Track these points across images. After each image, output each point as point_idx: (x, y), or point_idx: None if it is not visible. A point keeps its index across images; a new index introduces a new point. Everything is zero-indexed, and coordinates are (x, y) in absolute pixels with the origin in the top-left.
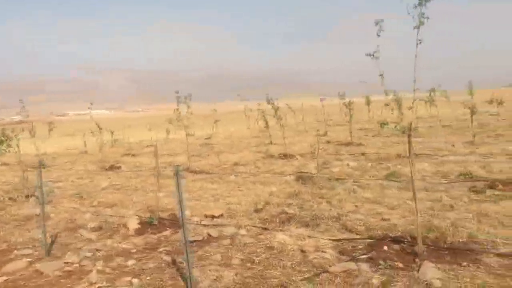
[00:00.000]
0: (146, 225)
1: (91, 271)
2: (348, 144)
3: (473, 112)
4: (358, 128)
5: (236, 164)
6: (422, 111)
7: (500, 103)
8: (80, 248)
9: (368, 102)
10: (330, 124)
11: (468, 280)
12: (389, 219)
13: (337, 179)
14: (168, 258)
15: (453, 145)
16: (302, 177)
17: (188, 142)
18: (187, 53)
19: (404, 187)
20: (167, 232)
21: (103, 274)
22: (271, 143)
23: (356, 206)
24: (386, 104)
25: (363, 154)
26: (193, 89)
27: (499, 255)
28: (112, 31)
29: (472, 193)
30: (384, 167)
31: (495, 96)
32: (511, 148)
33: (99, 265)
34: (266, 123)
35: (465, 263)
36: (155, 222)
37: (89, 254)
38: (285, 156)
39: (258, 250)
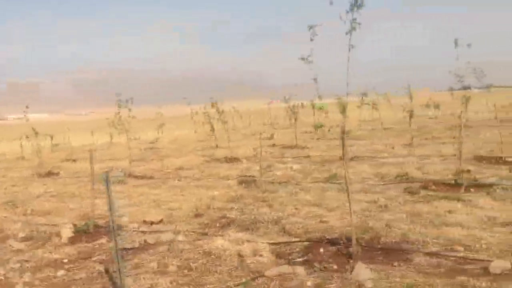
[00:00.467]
0: (81, 234)
1: (17, 283)
2: (293, 147)
3: (411, 115)
4: (304, 131)
5: (180, 168)
6: (367, 114)
7: (436, 106)
8: (7, 259)
9: (313, 106)
10: (277, 127)
11: (398, 279)
12: (327, 221)
13: (280, 182)
14: (101, 268)
15: (393, 147)
16: (245, 181)
17: (132, 146)
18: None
19: (344, 189)
20: (103, 240)
21: (30, 287)
22: (217, 146)
23: (296, 209)
24: (320, 108)
25: (307, 157)
26: (147, 91)
27: (428, 254)
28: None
29: (407, 194)
30: (326, 169)
31: (433, 100)
32: (445, 150)
33: (27, 277)
34: (212, 126)
35: (396, 263)
36: (91, 230)
37: (16, 266)
38: (230, 159)
39: (196, 256)
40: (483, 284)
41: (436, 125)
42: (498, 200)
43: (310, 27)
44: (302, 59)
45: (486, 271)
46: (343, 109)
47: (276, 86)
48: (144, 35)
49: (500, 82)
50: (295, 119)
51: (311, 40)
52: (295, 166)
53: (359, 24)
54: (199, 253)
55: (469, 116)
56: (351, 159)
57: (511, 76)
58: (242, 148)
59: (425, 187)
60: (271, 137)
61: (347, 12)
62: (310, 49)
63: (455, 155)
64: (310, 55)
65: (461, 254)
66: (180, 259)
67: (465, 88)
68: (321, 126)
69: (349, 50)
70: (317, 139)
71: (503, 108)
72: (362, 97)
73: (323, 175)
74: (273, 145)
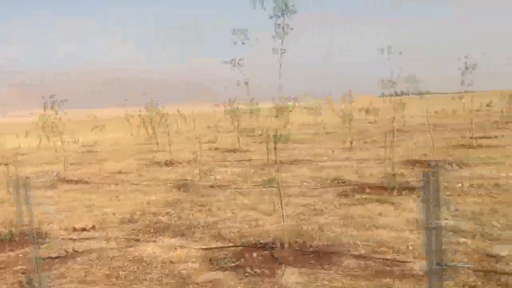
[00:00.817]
0: (4, 242)
1: None
2: (235, 150)
3: (350, 120)
4: (247, 134)
5: (118, 172)
6: (311, 118)
7: (375, 111)
8: None
9: (257, 109)
10: (221, 130)
11: (326, 283)
12: (263, 225)
13: (219, 186)
14: (23, 278)
15: (333, 151)
16: (184, 185)
17: (69, 150)
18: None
19: (282, 193)
20: (28, 249)
21: None
22: (158, 150)
23: (233, 213)
24: (250, 112)
25: (248, 160)
26: (83, 93)
27: (358, 256)
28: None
29: (342, 197)
30: (266, 173)
31: (372, 105)
32: (382, 154)
33: None
34: (153, 129)
35: (327, 266)
36: (15, 238)
37: None
38: (171, 163)
39: (126, 264)
40: (407, 286)
41: (375, 130)
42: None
43: (240, 31)
44: (231, 62)
45: (411, 273)
46: (277, 113)
47: (221, 89)
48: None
49: (434, 88)
50: (237, 123)
51: (243, 43)
52: (235, 170)
53: (292, 29)
54: (130, 260)
55: (405, 121)
56: (292, 162)
57: (444, 82)
58: (184, 152)
59: (360, 190)
60: (214, 141)
61: (278, 17)
62: (240, 52)
63: (390, 159)
64: (241, 58)
65: (389, 256)
66: (109, 267)
67: (404, 94)
68: (254, 130)
69: (281, 55)
70: (260, 142)
71: (436, 114)
72: (294, 102)
73: (262, 179)
74: (216, 148)
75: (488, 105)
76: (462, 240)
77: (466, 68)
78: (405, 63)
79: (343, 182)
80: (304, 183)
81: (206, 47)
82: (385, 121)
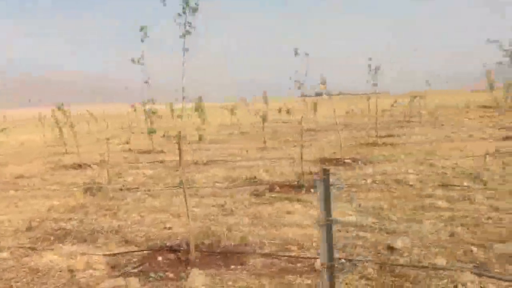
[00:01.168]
0: None
1: None
2: (149, 151)
3: (264, 120)
4: (162, 135)
5: (20, 176)
6: (227, 119)
7: (288, 112)
8: None
9: (172, 110)
10: (135, 131)
11: (231, 283)
12: (171, 228)
13: (128, 189)
14: None
15: (247, 151)
16: (91, 188)
17: None
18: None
19: (193, 194)
20: None
21: None
22: (66, 152)
23: (141, 216)
24: (153, 112)
25: (161, 161)
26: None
27: (264, 255)
28: None
29: (253, 196)
30: (179, 174)
31: (286, 106)
32: (295, 153)
33: None
34: (60, 130)
35: (233, 266)
36: None
37: None
38: (79, 166)
39: (20, 275)
40: (309, 282)
41: (289, 130)
42: (333, 200)
43: (141, 29)
44: (133, 60)
45: (312, 268)
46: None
47: (137, 89)
48: None
49: (347, 89)
50: (151, 123)
51: (142, 41)
52: (147, 172)
53: (194, 28)
54: (24, 271)
55: (319, 121)
56: (205, 163)
57: (355, 84)
58: (94, 154)
59: (271, 189)
60: (128, 142)
61: (180, 15)
62: (142, 50)
63: (301, 157)
64: (142, 57)
65: (294, 253)
66: (1, 279)
67: (318, 94)
68: (154, 131)
69: (184, 54)
70: (175, 143)
71: (347, 114)
72: (195, 103)
73: (175, 180)
74: (129, 149)
75: (392, 105)
76: (362, 234)
77: (373, 70)
78: (317, 65)
79: (255, 182)
80: (217, 184)
81: (123, 48)
82: (299, 121)
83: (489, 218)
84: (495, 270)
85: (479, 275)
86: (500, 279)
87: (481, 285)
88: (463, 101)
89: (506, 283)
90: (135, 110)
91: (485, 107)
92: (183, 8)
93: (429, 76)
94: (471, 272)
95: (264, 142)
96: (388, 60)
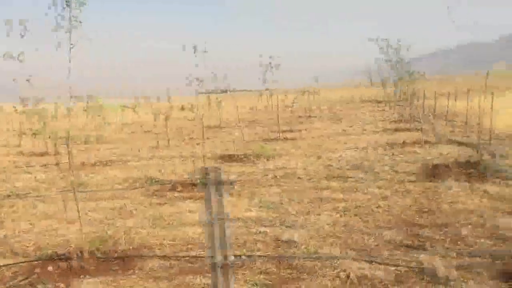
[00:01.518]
0: None
1: None
2: (43, 154)
3: (167, 118)
4: (54, 136)
5: None
6: (130, 117)
7: (191, 109)
8: None
9: (69, 110)
10: (26, 133)
11: None
12: (64, 235)
13: (17, 195)
14: None
15: (149, 150)
16: None
17: None
18: None
19: (89, 198)
20: None
21: None
22: None
23: (31, 224)
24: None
25: (56, 164)
26: None
27: (163, 257)
28: None
29: (154, 197)
30: (76, 177)
31: (189, 103)
32: (199, 150)
33: None
34: None
35: (131, 271)
36: None
37: None
38: None
39: None
40: (209, 281)
41: (193, 127)
42: (234, 196)
43: (20, 23)
44: (4, 56)
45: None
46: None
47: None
48: None
49: (245, 86)
50: (44, 123)
51: (22, 36)
52: (40, 176)
53: (81, 22)
54: None
55: (224, 118)
56: (105, 164)
57: (252, 80)
58: None
59: (173, 189)
60: (19, 145)
61: (64, 8)
62: (18, 47)
63: (204, 156)
64: (21, 53)
65: (194, 253)
66: None
67: (222, 92)
68: (40, 133)
69: (70, 50)
70: (63, 145)
71: (251, 110)
72: (88, 101)
73: (70, 184)
74: (21, 152)
75: (293, 102)
76: (262, 229)
77: (268, 67)
78: (215, 63)
79: (156, 182)
80: (117, 185)
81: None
82: (204, 118)
83: (379, 206)
84: (384, 256)
85: (370, 262)
86: (387, 264)
87: (371, 271)
88: (357, 96)
89: (393, 268)
90: (16, 110)
91: (378, 102)
92: (67, 1)
93: (318, 73)
94: (362, 260)
95: (168, 140)
96: (282, 59)
